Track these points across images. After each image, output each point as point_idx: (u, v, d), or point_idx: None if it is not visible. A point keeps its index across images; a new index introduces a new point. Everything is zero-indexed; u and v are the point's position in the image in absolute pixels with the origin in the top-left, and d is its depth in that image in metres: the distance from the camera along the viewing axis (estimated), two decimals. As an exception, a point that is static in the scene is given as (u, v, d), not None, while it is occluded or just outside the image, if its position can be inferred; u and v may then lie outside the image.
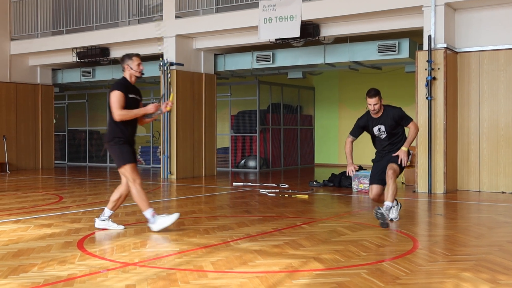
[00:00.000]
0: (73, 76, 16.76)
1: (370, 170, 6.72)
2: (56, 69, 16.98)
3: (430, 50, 9.65)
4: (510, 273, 4.24)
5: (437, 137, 9.64)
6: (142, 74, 6.18)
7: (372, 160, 6.63)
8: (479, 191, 9.87)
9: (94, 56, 14.32)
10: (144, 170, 15.79)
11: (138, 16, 13.85)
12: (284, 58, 13.28)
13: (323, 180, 11.20)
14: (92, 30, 14.34)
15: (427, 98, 9.66)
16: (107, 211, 6.17)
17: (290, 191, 10.09)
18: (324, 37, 11.59)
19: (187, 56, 13.11)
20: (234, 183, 11.63)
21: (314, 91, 17.90)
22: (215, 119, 14.01)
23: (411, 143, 6.36)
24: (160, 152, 13.78)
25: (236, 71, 14.45)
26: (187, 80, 13.06)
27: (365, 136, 6.79)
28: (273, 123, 16.04)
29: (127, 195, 6.17)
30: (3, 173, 14.80)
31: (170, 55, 12.79)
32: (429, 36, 9.69)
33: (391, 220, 6.62)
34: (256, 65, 13.55)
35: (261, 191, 10.05)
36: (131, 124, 6.10)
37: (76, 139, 19.17)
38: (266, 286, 3.88)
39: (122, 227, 6.16)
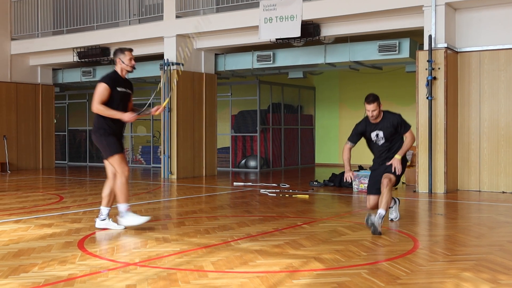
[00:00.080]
0: (74, 76, 16.77)
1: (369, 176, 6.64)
2: (56, 69, 16.98)
3: (430, 50, 9.65)
4: (510, 273, 4.24)
5: (438, 137, 9.64)
6: (134, 69, 6.27)
7: (370, 168, 6.57)
8: (479, 191, 9.87)
9: (95, 56, 14.33)
10: (145, 170, 15.80)
11: (139, 16, 13.85)
12: (284, 58, 13.27)
13: (324, 180, 11.20)
14: (92, 30, 14.35)
15: (427, 98, 9.66)
16: (104, 209, 6.20)
17: (290, 191, 10.09)
18: (324, 37, 11.59)
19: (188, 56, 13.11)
20: (234, 183, 11.63)
21: (315, 91, 17.90)
22: (215, 119, 14.01)
23: (405, 152, 6.19)
24: (160, 152, 13.80)
25: (237, 71, 14.45)
26: (188, 80, 13.06)
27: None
28: (274, 123, 16.04)
29: (128, 180, 6.20)
30: (4, 173, 14.81)
31: (170, 55, 12.79)
32: (430, 36, 9.69)
33: (391, 220, 6.62)
34: (257, 65, 13.55)
35: (262, 191, 10.05)
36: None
37: (76, 139, 19.18)
38: (267, 286, 3.88)
39: (123, 226, 6.17)
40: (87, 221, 6.63)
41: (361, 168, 11.01)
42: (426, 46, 9.77)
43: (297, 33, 11.04)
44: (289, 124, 16.69)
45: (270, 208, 7.88)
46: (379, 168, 6.27)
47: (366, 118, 6.31)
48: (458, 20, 10.15)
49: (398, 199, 6.81)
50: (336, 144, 17.32)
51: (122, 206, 6.09)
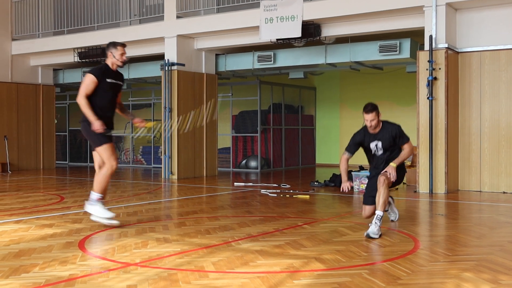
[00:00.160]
0: (75, 76, 16.77)
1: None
2: (57, 69, 16.99)
3: (431, 50, 9.65)
4: (511, 273, 4.24)
5: (438, 137, 9.64)
6: (124, 64, 6.35)
7: (367, 177, 6.51)
8: (480, 191, 9.86)
9: (96, 56, 14.32)
10: (145, 170, 15.81)
11: (139, 16, 13.86)
12: (285, 58, 13.28)
13: (324, 180, 11.20)
14: (93, 30, 14.36)
15: (428, 98, 9.66)
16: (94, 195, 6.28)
17: (291, 191, 10.09)
18: (325, 37, 11.59)
19: (188, 56, 13.12)
20: (235, 183, 11.63)
21: (315, 91, 17.90)
22: (216, 119, 14.00)
23: (401, 162, 6.04)
24: (161, 152, 13.80)
25: (237, 71, 14.46)
26: (188, 80, 13.07)
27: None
28: (274, 123, 16.04)
29: (112, 174, 6.28)
30: (5, 173, 14.81)
31: (171, 55, 12.80)
32: (430, 36, 9.69)
33: (392, 220, 6.61)
34: (257, 65, 13.55)
35: (262, 191, 10.05)
36: (107, 108, 6.23)
37: (77, 139, 19.18)
38: (267, 286, 3.88)
39: (114, 222, 6.24)
40: (88, 222, 6.62)
41: (361, 168, 11.01)
42: (426, 47, 9.76)
43: (298, 34, 11.04)
44: (289, 125, 16.69)
45: (270, 209, 7.88)
46: (376, 176, 6.09)
47: (365, 128, 6.15)
48: (458, 20, 10.15)
49: (392, 197, 6.70)
50: (336, 145, 17.32)
51: (95, 195, 6.21)
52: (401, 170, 6.13)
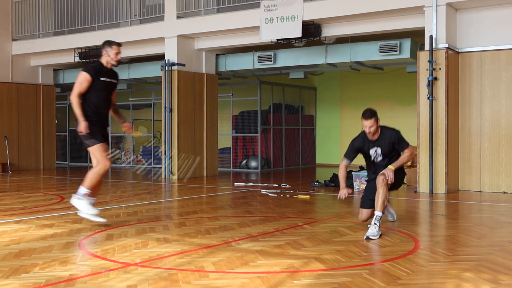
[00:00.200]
0: (75, 77, 16.31)
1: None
2: (57, 69, 17.00)
3: (431, 50, 9.65)
4: (511, 273, 4.24)
5: (439, 137, 9.63)
6: (118, 63, 6.39)
7: (365, 180, 6.47)
8: (480, 191, 9.86)
9: (96, 57, 14.29)
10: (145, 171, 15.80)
11: (140, 17, 13.86)
12: (285, 58, 13.28)
13: (325, 180, 11.20)
14: (93, 31, 14.36)
15: (428, 98, 9.66)
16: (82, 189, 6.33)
17: (291, 191, 10.09)
18: (325, 37, 11.59)
19: (189, 56, 13.12)
20: (235, 183, 11.63)
21: (316, 91, 17.90)
22: (216, 120, 14.01)
23: (400, 165, 5.97)
24: (161, 153, 13.79)
25: (238, 71, 14.46)
26: (189, 81, 13.07)
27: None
28: (275, 123, 16.04)
29: (104, 174, 6.35)
30: (5, 173, 14.82)
31: (171, 56, 12.81)
32: (431, 36, 9.68)
33: (391, 221, 6.60)
34: (258, 65, 13.55)
35: (263, 191, 10.05)
36: (102, 106, 6.25)
37: (77, 139, 19.14)
38: (268, 287, 3.88)
39: (98, 218, 6.30)
40: (88, 222, 6.62)
41: (361, 168, 11.00)
42: (427, 47, 9.76)
43: (298, 34, 11.04)
44: (290, 125, 16.69)
45: (271, 209, 7.88)
46: (375, 180, 6.00)
47: (363, 134, 6.08)
48: (459, 20, 10.15)
49: (388, 199, 6.66)
50: (337, 145, 17.32)
51: (82, 189, 6.25)
52: (400, 173, 6.07)
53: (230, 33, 12.56)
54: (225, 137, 16.32)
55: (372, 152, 6.10)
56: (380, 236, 5.64)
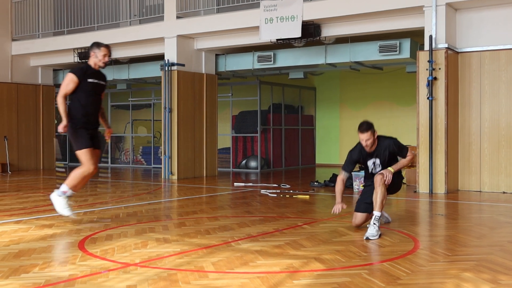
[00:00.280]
0: (74, 77, 16.73)
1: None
2: (57, 69, 16.99)
3: (431, 50, 9.65)
4: (511, 273, 4.24)
5: (438, 137, 9.63)
6: (105, 65, 6.41)
7: (363, 185, 6.45)
8: (480, 191, 9.86)
9: (96, 57, 14.31)
10: (145, 171, 15.80)
11: (139, 17, 13.86)
12: (285, 59, 13.28)
13: (324, 181, 11.20)
14: (93, 31, 14.36)
15: (428, 98, 9.66)
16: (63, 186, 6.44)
17: (291, 191, 10.09)
18: (325, 37, 11.59)
19: (188, 57, 13.12)
20: (235, 183, 11.63)
21: (315, 91, 17.90)
22: (216, 120, 14.01)
23: (399, 168, 5.93)
24: (161, 153, 13.80)
25: (237, 71, 14.46)
26: (188, 81, 13.07)
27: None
28: (274, 124, 16.04)
29: (94, 173, 6.46)
30: (4, 173, 14.81)
31: (171, 56, 12.80)
32: (430, 36, 9.68)
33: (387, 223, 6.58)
34: (257, 66, 13.55)
35: (262, 191, 10.05)
36: (91, 107, 6.28)
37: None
38: (267, 287, 3.88)
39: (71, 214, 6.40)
40: (88, 222, 6.63)
41: (361, 168, 10.99)
42: (426, 47, 9.76)
43: (298, 34, 11.04)
44: (289, 125, 16.69)
45: (270, 209, 7.88)
46: (372, 185, 5.97)
47: (360, 146, 5.99)
48: (458, 20, 10.15)
49: None
50: (336, 145, 17.32)
51: (64, 187, 6.36)
52: (398, 177, 6.02)
53: (229, 33, 12.56)
54: (225, 137, 16.32)
55: (370, 163, 6.04)
56: (380, 236, 5.63)
